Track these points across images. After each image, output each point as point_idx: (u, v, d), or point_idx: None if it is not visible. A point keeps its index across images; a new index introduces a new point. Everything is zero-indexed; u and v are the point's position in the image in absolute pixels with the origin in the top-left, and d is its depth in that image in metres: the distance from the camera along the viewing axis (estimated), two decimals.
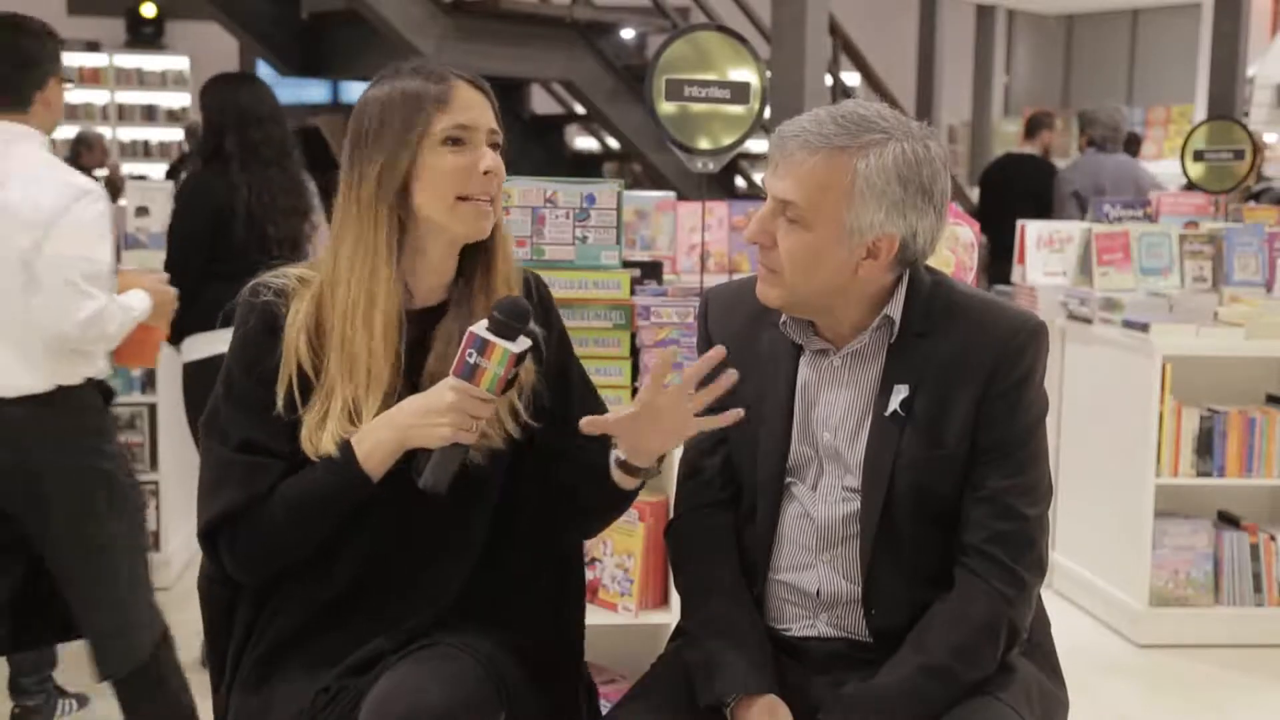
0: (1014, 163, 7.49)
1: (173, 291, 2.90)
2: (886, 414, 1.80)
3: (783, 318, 1.88)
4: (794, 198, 1.74)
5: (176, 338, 3.58)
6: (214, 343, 3.44)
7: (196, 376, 3.53)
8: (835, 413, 1.85)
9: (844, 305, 1.82)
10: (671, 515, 2.03)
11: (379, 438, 1.74)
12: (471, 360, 1.69)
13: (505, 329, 1.70)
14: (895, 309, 1.82)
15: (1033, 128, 7.59)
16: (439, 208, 1.78)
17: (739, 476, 1.94)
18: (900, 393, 1.80)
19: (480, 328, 1.70)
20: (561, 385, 1.91)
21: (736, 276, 3.27)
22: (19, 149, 2.69)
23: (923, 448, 1.79)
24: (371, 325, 1.75)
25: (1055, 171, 7.24)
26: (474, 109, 1.80)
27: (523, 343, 1.71)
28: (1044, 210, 6.60)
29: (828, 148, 1.72)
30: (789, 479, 1.88)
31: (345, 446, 1.74)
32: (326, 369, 1.77)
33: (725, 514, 1.94)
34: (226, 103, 3.56)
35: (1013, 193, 6.91)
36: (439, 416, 1.70)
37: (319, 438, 1.75)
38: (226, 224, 3.50)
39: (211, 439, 1.81)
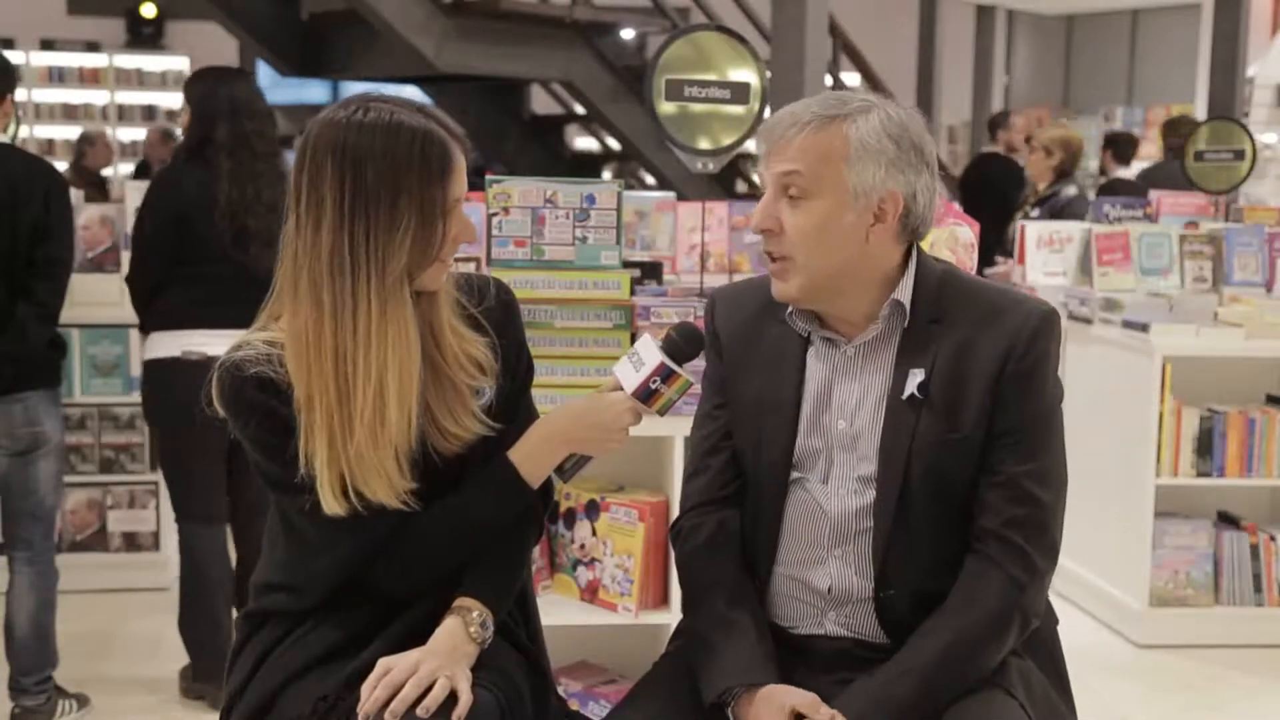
0: (984, 161, 7.85)
1: None
2: (903, 397, 1.81)
3: (789, 309, 1.89)
4: (796, 167, 1.78)
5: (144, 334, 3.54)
6: (174, 343, 3.40)
7: (153, 374, 3.46)
8: (851, 401, 1.86)
9: (856, 287, 1.83)
10: (676, 514, 2.03)
11: (544, 458, 1.82)
12: (654, 386, 1.82)
13: (680, 353, 1.84)
14: (904, 294, 1.84)
15: (991, 129, 7.99)
16: (434, 272, 1.77)
17: (744, 472, 1.94)
18: (916, 376, 1.81)
19: (659, 351, 1.81)
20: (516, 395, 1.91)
21: (737, 277, 3.27)
22: None
23: (939, 430, 1.80)
24: (402, 408, 1.72)
25: (1018, 167, 7.37)
26: (463, 169, 1.77)
27: (688, 370, 1.84)
28: (1007, 206, 6.68)
29: (817, 119, 1.80)
30: (796, 472, 1.89)
31: (513, 473, 1.80)
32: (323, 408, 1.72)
33: (729, 511, 1.94)
34: (219, 93, 3.43)
35: (982, 190, 7.13)
36: (617, 433, 1.83)
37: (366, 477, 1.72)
38: (194, 220, 3.36)
39: (297, 496, 1.74)
